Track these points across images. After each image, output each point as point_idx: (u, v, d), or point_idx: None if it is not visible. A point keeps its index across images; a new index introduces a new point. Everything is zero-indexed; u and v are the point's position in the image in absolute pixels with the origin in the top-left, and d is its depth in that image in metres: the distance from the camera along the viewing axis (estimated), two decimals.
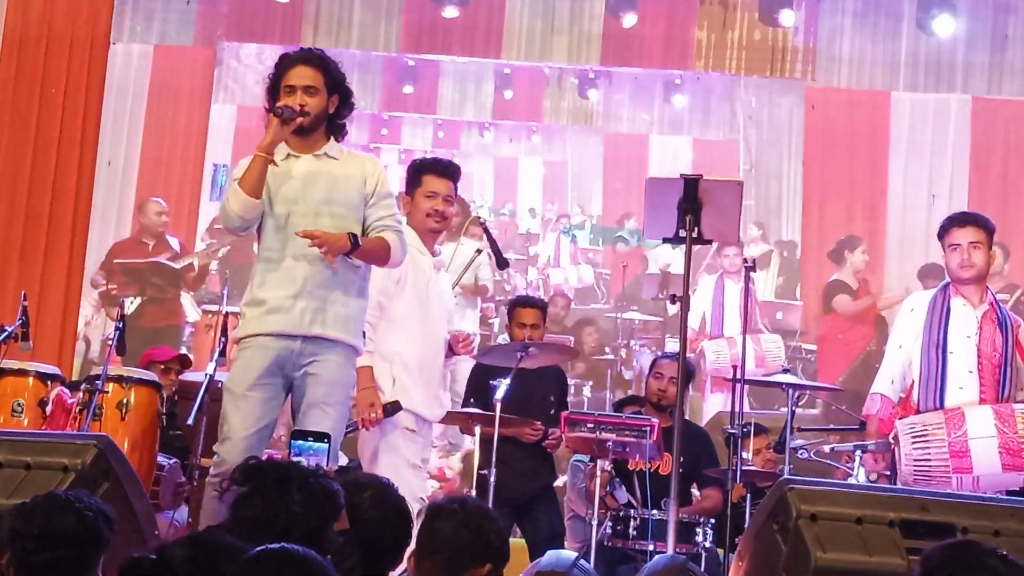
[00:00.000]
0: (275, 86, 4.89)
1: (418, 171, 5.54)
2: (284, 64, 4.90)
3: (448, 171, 5.56)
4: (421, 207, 5.46)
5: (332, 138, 4.95)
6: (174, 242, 10.40)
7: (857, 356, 10.42)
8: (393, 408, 5.15)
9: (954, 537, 3.41)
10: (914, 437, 5.13)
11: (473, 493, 5.87)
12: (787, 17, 10.57)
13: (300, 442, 3.45)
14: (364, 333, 5.07)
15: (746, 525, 5.19)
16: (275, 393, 4.79)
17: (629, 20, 10.36)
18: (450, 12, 10.40)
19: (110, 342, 5.99)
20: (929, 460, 5.08)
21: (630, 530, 5.97)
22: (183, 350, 8.46)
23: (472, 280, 9.60)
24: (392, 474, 4.98)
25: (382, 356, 5.24)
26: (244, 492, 2.89)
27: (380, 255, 4.90)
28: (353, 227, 4.82)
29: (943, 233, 5.58)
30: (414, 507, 5.08)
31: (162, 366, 6.58)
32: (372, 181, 4.93)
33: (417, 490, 5.19)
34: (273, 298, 4.77)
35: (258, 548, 2.59)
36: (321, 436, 3.45)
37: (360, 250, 4.78)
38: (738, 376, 6.26)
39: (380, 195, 4.93)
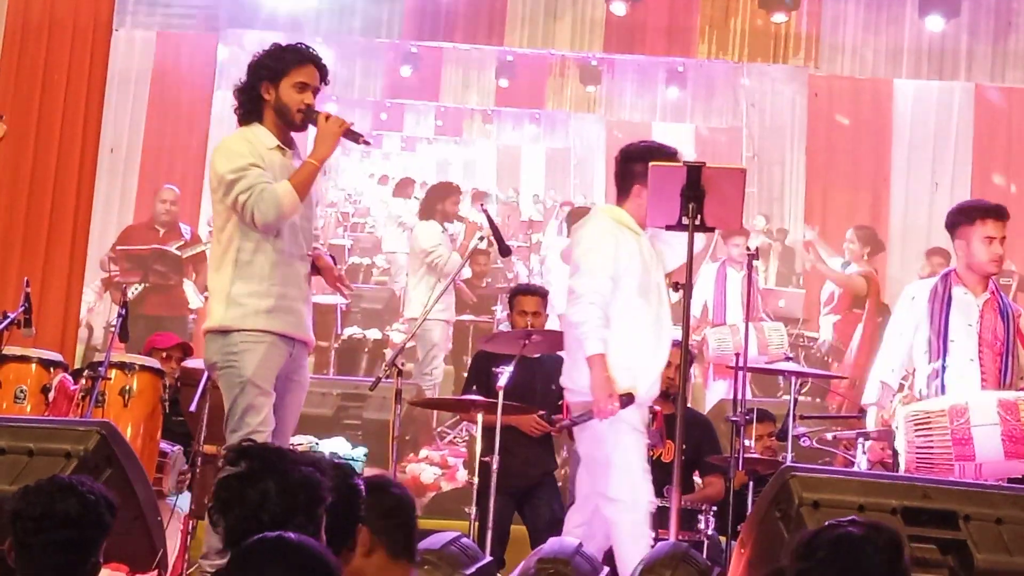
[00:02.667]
0: (278, 73, 4.79)
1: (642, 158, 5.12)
2: (303, 58, 4.82)
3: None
4: (639, 200, 5.13)
5: None
6: (186, 230, 10.39)
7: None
8: (628, 399, 4.92)
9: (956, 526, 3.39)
10: (916, 425, 5.12)
11: (475, 480, 5.85)
12: (790, 4, 10.50)
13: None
14: (591, 319, 4.93)
15: (748, 512, 5.19)
16: None
17: (618, 8, 10.19)
18: None
19: (113, 329, 5.98)
20: (932, 448, 5.07)
21: None
22: (186, 337, 8.45)
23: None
24: (627, 475, 4.97)
25: (616, 344, 5.00)
26: (227, 473, 2.92)
27: None
28: None
29: (972, 221, 5.46)
30: (643, 511, 4.97)
31: (164, 353, 6.58)
32: None
33: (647, 494, 5.00)
34: (288, 297, 4.75)
35: (255, 536, 2.59)
36: None
37: None
38: (741, 364, 6.27)
39: None
